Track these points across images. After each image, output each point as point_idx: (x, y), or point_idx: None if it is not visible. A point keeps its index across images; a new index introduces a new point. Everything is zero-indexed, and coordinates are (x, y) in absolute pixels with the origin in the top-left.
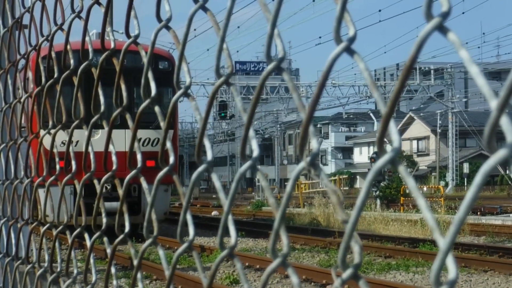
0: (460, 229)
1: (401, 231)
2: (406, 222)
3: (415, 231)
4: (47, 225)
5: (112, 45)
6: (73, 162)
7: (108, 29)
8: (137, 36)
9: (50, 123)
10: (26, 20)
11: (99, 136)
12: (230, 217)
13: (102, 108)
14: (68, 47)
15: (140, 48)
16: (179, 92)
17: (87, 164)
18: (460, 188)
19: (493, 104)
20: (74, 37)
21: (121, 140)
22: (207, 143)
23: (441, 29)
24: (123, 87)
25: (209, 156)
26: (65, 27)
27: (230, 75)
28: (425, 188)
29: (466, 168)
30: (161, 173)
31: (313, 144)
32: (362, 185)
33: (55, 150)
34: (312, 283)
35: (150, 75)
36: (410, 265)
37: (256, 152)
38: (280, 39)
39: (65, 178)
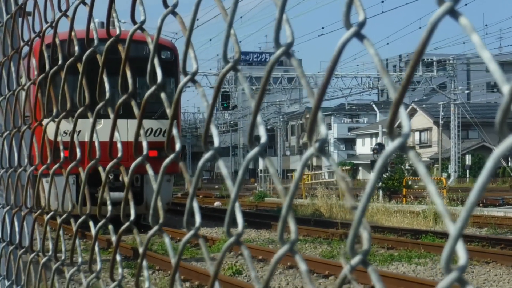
0: (470, 214)
1: (404, 223)
2: (409, 214)
3: (417, 223)
4: (51, 213)
5: (118, 32)
6: (77, 150)
7: (113, 15)
8: (143, 22)
9: (54, 110)
10: (29, 7)
11: (102, 125)
12: (237, 204)
13: (107, 95)
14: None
15: (146, 34)
16: (186, 79)
17: (87, 153)
18: (462, 179)
19: (506, 89)
20: (76, 24)
21: (123, 130)
22: (214, 130)
23: (453, 13)
24: (128, 74)
25: (216, 142)
26: (70, 13)
27: (237, 61)
28: None
29: (468, 159)
30: (167, 160)
31: (322, 130)
32: (364, 176)
33: (58, 139)
34: (315, 274)
35: (156, 61)
36: (412, 256)
37: (264, 139)
38: (289, 24)
39: (69, 166)
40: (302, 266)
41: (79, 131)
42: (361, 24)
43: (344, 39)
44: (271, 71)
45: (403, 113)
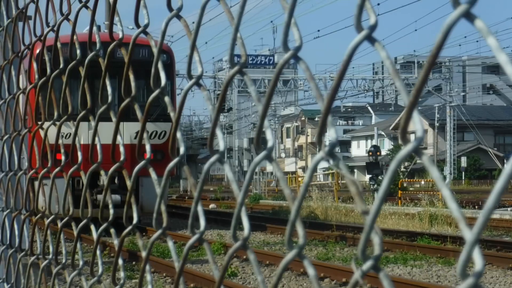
0: (488, 219)
1: (399, 225)
2: (404, 216)
3: (413, 225)
4: (52, 216)
5: (121, 35)
6: (79, 154)
7: (116, 19)
8: (146, 26)
9: (55, 114)
10: (30, 11)
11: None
12: (243, 208)
13: (110, 98)
14: (59, 42)
15: (149, 38)
16: (191, 82)
17: (82, 156)
18: (458, 181)
19: None
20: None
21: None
22: (219, 134)
23: (468, 16)
24: (131, 77)
25: (221, 146)
26: (72, 17)
27: (244, 65)
28: (422, 182)
29: (463, 162)
30: (171, 164)
31: (331, 133)
32: (360, 178)
33: (60, 142)
34: None
35: (160, 65)
36: (408, 258)
37: (271, 142)
38: (297, 28)
39: (71, 170)
40: (311, 271)
41: (68, 135)
42: (373, 27)
43: (356, 42)
44: (279, 74)
45: (416, 117)
